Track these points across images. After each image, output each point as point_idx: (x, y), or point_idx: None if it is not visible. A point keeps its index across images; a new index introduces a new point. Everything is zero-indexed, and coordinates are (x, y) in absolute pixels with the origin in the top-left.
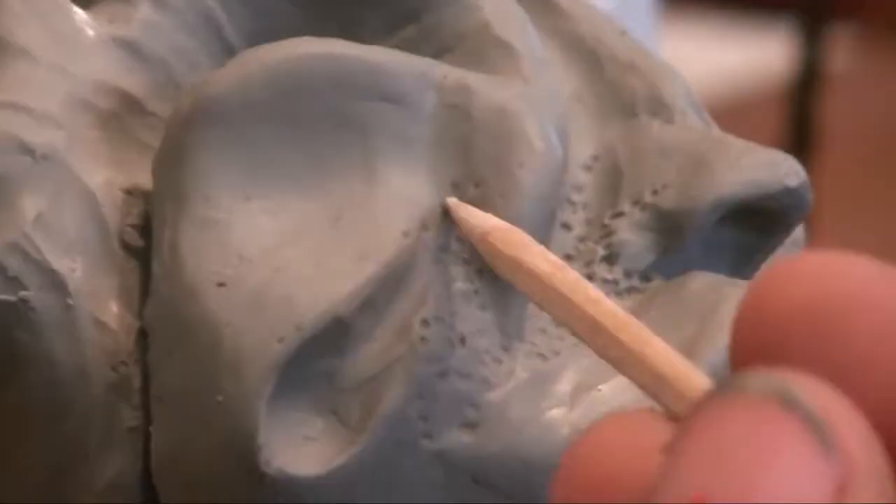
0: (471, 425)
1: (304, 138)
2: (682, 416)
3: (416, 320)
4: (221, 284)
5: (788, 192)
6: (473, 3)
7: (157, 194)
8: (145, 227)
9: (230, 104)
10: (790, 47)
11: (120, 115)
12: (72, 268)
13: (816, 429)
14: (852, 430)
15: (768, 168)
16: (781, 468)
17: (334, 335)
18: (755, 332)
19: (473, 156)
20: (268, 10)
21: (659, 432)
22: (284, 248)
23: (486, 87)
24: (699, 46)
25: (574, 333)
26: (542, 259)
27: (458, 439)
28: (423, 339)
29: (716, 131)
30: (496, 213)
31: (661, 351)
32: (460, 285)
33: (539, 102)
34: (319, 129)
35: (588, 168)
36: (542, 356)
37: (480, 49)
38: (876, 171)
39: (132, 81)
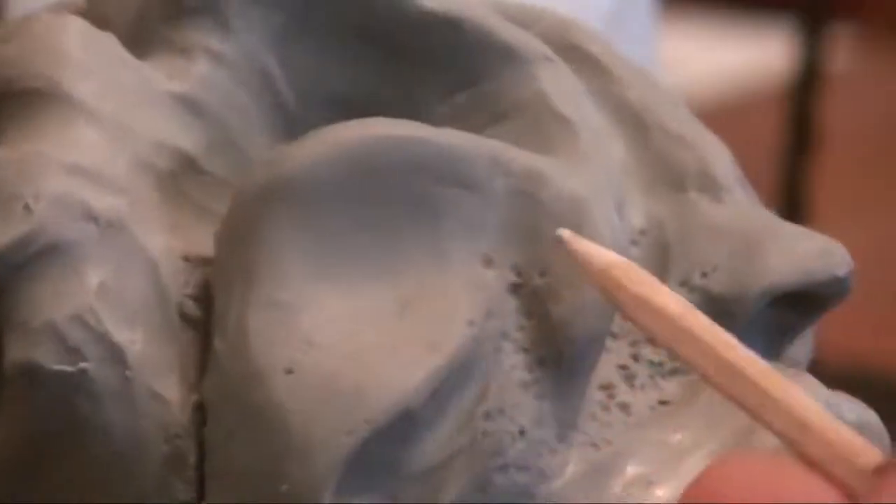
0: None
1: (375, 220)
2: (832, 470)
3: (478, 413)
4: (290, 371)
5: (837, 282)
6: (530, 72)
7: (222, 268)
8: (202, 297)
9: (304, 183)
10: (790, 47)
11: (176, 176)
12: (132, 339)
13: None
14: None
15: (821, 258)
16: None
17: (401, 426)
18: None
19: (541, 244)
20: (322, 68)
21: (787, 477)
22: (353, 335)
23: (554, 174)
24: (699, 46)
25: (704, 377)
26: (671, 299)
27: None
28: (485, 432)
29: (764, 211)
30: (561, 306)
31: (804, 401)
32: (520, 374)
33: (600, 185)
34: (392, 212)
35: (635, 242)
36: (594, 445)
37: (537, 120)
38: (876, 171)
39: (189, 139)
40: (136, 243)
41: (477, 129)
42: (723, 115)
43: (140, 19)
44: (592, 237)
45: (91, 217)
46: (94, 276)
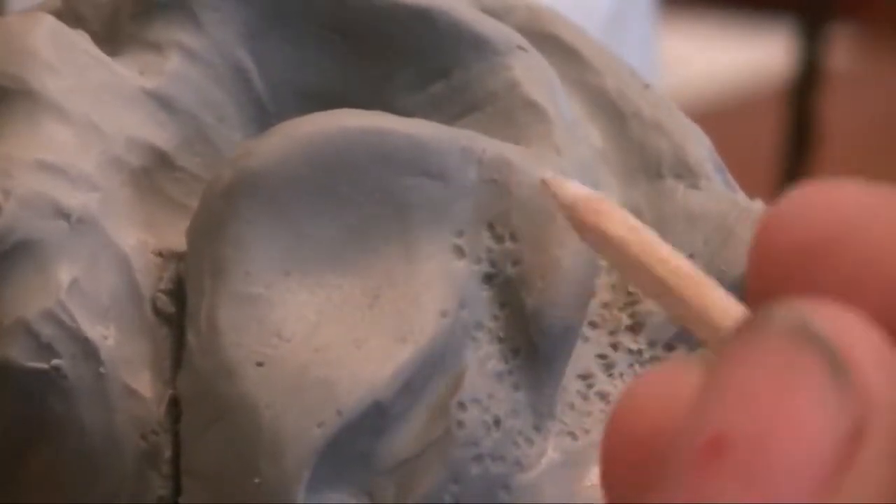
0: None
1: (344, 213)
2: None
3: (452, 403)
4: (260, 364)
5: None
6: (503, 62)
7: (193, 263)
8: (176, 292)
9: (271, 177)
10: (790, 47)
11: (150, 172)
12: (104, 335)
13: (834, 366)
14: (872, 361)
15: None
16: (797, 410)
17: (372, 418)
18: (767, 269)
19: (512, 233)
20: (297, 62)
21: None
22: (324, 328)
23: (526, 163)
24: (699, 46)
25: (646, 295)
26: (620, 224)
27: None
28: (459, 422)
29: (741, 197)
30: (534, 296)
31: (718, 300)
32: (494, 364)
33: (574, 174)
34: (360, 204)
35: None
36: (572, 434)
37: (510, 110)
38: (876, 171)
39: (162, 136)
40: (107, 239)
41: (450, 119)
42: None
43: (113, 17)
44: (564, 228)
45: (62, 213)
46: (65, 273)
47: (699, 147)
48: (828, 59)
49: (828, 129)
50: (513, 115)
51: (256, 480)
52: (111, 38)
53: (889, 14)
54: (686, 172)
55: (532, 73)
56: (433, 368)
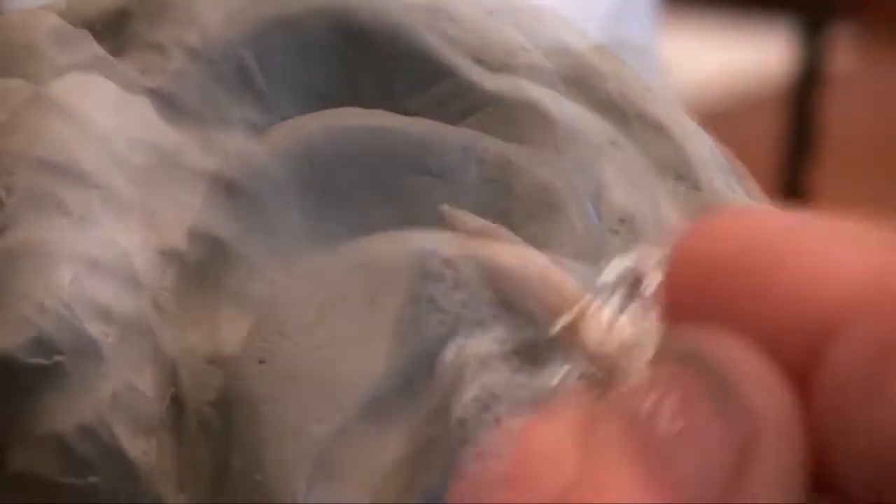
0: None
1: (344, 210)
2: None
3: (453, 401)
4: (262, 361)
5: None
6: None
7: (193, 259)
8: (178, 289)
9: (272, 175)
10: (791, 47)
11: (152, 170)
12: (106, 332)
13: (720, 391)
14: (759, 388)
15: None
16: (692, 430)
17: (372, 415)
18: (683, 290)
19: (512, 232)
20: (301, 63)
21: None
22: (324, 324)
23: (527, 163)
24: (699, 46)
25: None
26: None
27: None
28: (459, 421)
29: (742, 196)
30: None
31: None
32: (496, 362)
33: (575, 176)
34: (361, 202)
35: (615, 232)
36: None
37: (512, 111)
38: (876, 171)
39: (165, 134)
40: (110, 236)
41: (453, 120)
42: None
43: (116, 17)
44: (564, 226)
45: (64, 211)
46: (67, 270)
47: (701, 147)
48: (828, 60)
49: (828, 130)
50: (515, 115)
51: (257, 477)
52: (114, 38)
53: (890, 14)
54: (688, 173)
55: (533, 73)
56: (434, 366)
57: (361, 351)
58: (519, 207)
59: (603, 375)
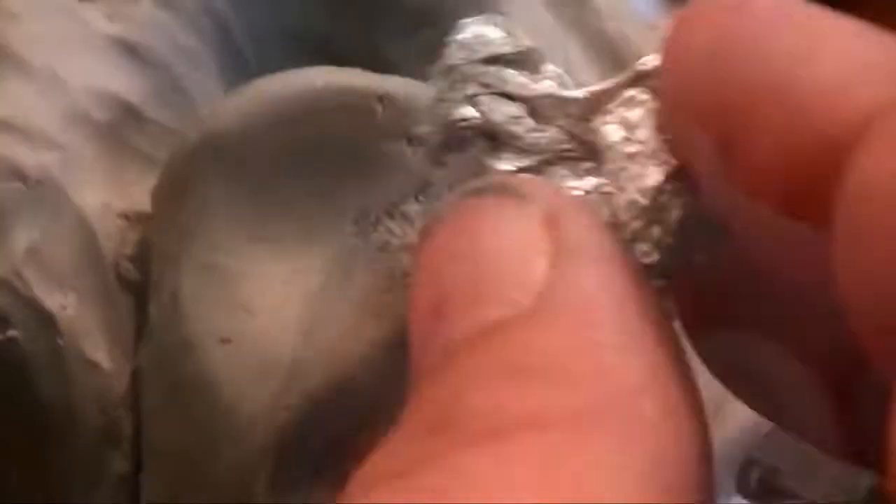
0: None
1: (316, 178)
2: None
3: None
4: (226, 341)
5: None
6: (495, 7)
7: (158, 228)
8: (141, 258)
9: (238, 141)
10: None
11: (117, 126)
12: (63, 304)
13: (515, 193)
14: (549, 193)
15: None
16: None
17: (343, 400)
18: (678, 71)
19: None
20: (278, 11)
21: None
22: (291, 302)
23: None
24: None
25: None
26: None
27: None
28: None
29: None
30: None
31: None
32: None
33: None
34: (333, 169)
35: None
36: None
37: None
38: None
39: (131, 87)
40: (68, 202)
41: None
42: None
43: None
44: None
45: (18, 174)
46: (22, 238)
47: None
48: None
49: None
50: None
51: (218, 464)
52: None
53: (891, 13)
54: None
55: (524, 18)
56: (407, 348)
57: (333, 331)
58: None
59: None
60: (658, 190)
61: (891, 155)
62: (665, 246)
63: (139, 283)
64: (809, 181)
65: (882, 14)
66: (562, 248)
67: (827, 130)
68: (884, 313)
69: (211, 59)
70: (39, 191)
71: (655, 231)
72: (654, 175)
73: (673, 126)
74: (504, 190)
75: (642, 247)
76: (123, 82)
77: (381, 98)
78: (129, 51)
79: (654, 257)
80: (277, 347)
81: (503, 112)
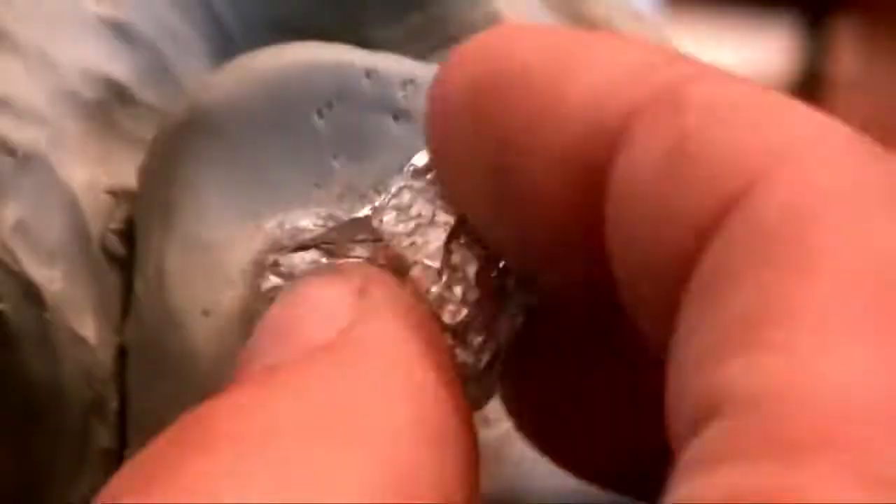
0: None
1: (300, 153)
2: None
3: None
4: (206, 313)
5: None
6: None
7: (144, 204)
8: (128, 232)
9: (225, 115)
10: (792, 47)
11: (106, 105)
12: (49, 278)
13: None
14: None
15: None
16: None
17: None
18: (443, 110)
19: None
20: None
21: None
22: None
23: None
24: (700, 46)
25: None
26: None
27: None
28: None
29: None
30: None
31: None
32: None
33: None
34: (318, 143)
35: None
36: None
37: (471, 20)
38: None
39: (120, 67)
40: (56, 177)
41: (426, 51)
42: None
43: None
44: None
45: (7, 149)
46: (10, 212)
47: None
48: (830, 59)
49: None
50: (471, 25)
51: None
52: None
53: (892, 13)
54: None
55: (513, 4)
56: None
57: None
58: None
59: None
60: (446, 250)
61: (647, 137)
62: (474, 301)
63: (126, 258)
64: (585, 191)
65: (882, 14)
66: (368, 305)
67: (591, 138)
68: (648, 283)
69: (200, 43)
70: (28, 166)
71: (458, 290)
72: (436, 238)
73: (446, 175)
74: (331, 270)
75: (450, 307)
76: (113, 62)
77: (369, 73)
78: (119, 31)
79: (464, 313)
80: (258, 319)
81: (302, 259)
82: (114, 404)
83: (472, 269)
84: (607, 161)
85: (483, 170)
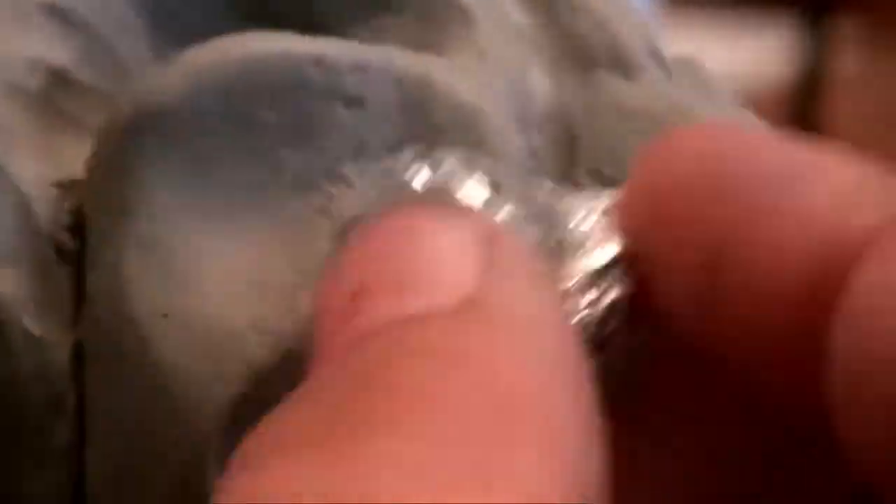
0: None
1: (254, 147)
2: None
3: None
4: (167, 315)
5: None
6: None
7: (93, 199)
8: (76, 226)
9: (175, 111)
10: (792, 46)
11: (49, 93)
12: (2, 279)
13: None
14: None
15: None
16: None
17: (287, 371)
18: (643, 203)
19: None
20: None
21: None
22: (234, 274)
23: (445, 80)
24: (700, 46)
25: None
26: None
27: None
28: None
29: (679, 89)
30: None
31: None
32: None
33: (497, 83)
34: (271, 137)
35: (541, 129)
36: None
37: (431, 10)
38: None
39: (62, 53)
40: (4, 175)
41: (365, 19)
42: None
43: None
44: (483, 147)
45: None
46: None
47: (633, 32)
48: (831, 58)
49: (829, 130)
50: (433, 15)
51: (162, 440)
52: None
53: (892, 12)
54: (620, 62)
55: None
56: None
57: (276, 304)
58: (438, 133)
59: None
60: (605, 269)
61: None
62: (587, 319)
63: (75, 253)
64: (808, 297)
65: (882, 14)
66: (495, 263)
67: (826, 250)
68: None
69: (140, 21)
70: None
71: (584, 300)
72: (603, 255)
73: (651, 240)
74: (445, 203)
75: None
76: (55, 49)
77: (317, 60)
78: (59, 16)
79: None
80: (220, 321)
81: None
82: (72, 401)
83: (610, 297)
84: (846, 270)
85: (698, 249)
